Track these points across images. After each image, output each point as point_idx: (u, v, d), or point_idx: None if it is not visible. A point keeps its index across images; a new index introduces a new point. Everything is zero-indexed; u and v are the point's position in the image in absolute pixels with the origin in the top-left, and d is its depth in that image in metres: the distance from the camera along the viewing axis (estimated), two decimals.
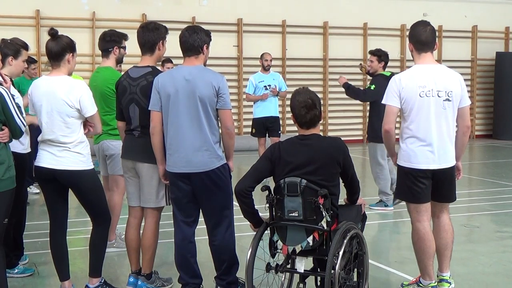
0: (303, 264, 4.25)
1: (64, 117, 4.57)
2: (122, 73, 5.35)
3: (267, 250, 4.33)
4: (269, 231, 4.34)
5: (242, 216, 4.42)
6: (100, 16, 14.61)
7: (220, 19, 15.36)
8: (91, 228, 4.91)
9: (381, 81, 8.10)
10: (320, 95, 14.29)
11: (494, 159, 14.79)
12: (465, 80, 4.88)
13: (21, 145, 5.16)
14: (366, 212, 4.71)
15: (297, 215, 4.13)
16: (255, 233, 4.35)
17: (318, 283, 4.40)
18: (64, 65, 4.68)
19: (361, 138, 16.51)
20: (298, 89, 4.35)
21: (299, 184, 4.10)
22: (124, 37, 6.07)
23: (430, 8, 17.18)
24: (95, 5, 14.70)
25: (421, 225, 4.77)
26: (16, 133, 4.45)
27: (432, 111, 4.65)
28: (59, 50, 4.63)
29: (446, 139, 4.71)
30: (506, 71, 17.66)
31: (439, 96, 4.65)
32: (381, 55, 8.29)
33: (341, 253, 4.06)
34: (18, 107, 4.48)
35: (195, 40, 4.64)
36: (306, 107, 4.21)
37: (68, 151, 4.60)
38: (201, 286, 4.87)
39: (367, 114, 9.27)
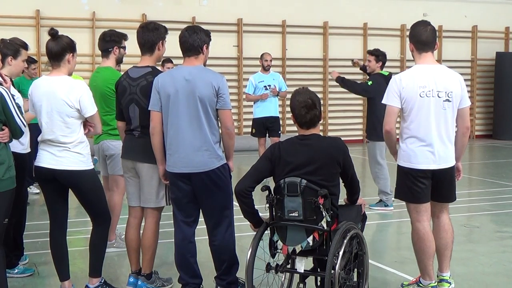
0: (303, 264, 4.26)
1: (64, 117, 4.57)
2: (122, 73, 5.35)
3: (267, 250, 4.33)
4: (269, 231, 4.34)
5: (242, 216, 4.42)
6: (100, 16, 14.61)
7: (220, 19, 15.36)
8: (91, 228, 4.91)
9: (379, 79, 8.15)
10: (320, 95, 14.31)
11: (494, 159, 14.79)
12: (465, 80, 4.88)
13: (21, 145, 5.16)
14: (366, 212, 4.71)
15: (297, 215, 4.13)
16: (255, 233, 4.35)
17: (318, 283, 4.40)
18: (64, 65, 4.68)
19: (361, 138, 16.50)
20: (298, 89, 4.35)
21: (299, 184, 4.10)
22: (124, 37, 6.07)
23: (430, 8, 17.19)
24: (95, 5, 14.70)
25: (421, 225, 4.77)
26: (16, 133, 4.45)
27: (432, 111, 4.65)
28: (59, 50, 4.63)
29: (445, 140, 4.71)
30: (506, 71, 17.67)
31: (439, 97, 4.65)
32: (379, 55, 8.36)
33: (341, 253, 4.06)
34: (18, 107, 4.48)
35: (195, 40, 4.64)
36: (306, 107, 4.21)
37: (68, 151, 4.60)
38: (201, 286, 4.87)
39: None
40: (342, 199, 4.56)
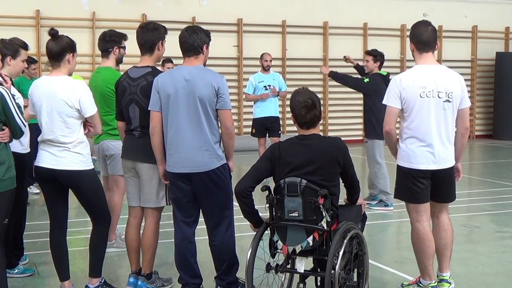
0: (303, 264, 4.26)
1: (64, 117, 4.57)
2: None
3: (267, 250, 4.33)
4: (269, 231, 4.35)
5: (242, 216, 4.42)
6: (100, 16, 14.61)
7: (220, 19, 15.36)
8: (91, 228, 4.91)
9: (377, 79, 8.20)
10: (320, 95, 14.31)
11: (494, 159, 14.79)
12: (465, 80, 4.88)
13: (21, 145, 5.16)
14: (366, 212, 4.71)
15: (297, 215, 4.13)
16: (255, 233, 4.35)
17: (318, 283, 4.40)
18: (64, 65, 4.68)
19: (361, 138, 16.47)
20: (298, 89, 4.35)
21: (299, 184, 4.10)
22: (124, 37, 6.07)
23: (430, 8, 17.19)
24: (95, 5, 14.70)
25: (420, 225, 4.77)
26: (16, 133, 4.46)
27: (432, 111, 4.65)
28: (59, 50, 4.64)
29: (445, 140, 4.71)
30: (506, 71, 17.67)
31: (439, 97, 4.65)
32: (376, 55, 8.40)
33: (341, 253, 4.06)
34: (19, 107, 4.48)
35: (194, 40, 4.64)
36: (306, 107, 4.21)
37: (68, 151, 4.60)
38: (201, 286, 4.87)
39: None
40: (342, 199, 4.56)
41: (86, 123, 4.69)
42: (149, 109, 4.70)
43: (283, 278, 4.66)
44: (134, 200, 5.05)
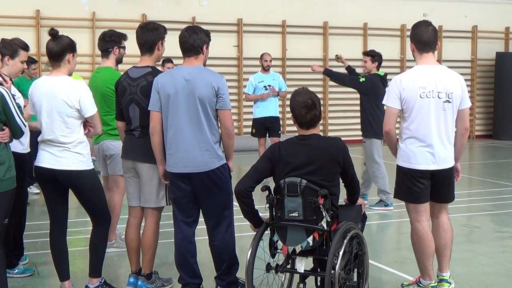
0: (303, 264, 4.26)
1: (64, 117, 4.57)
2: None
3: (267, 250, 4.33)
4: (269, 231, 4.35)
5: (242, 216, 4.42)
6: (100, 16, 14.61)
7: (220, 19, 15.36)
8: (91, 228, 4.91)
9: (374, 78, 8.24)
10: (320, 95, 14.31)
11: (494, 159, 14.79)
12: (465, 80, 4.88)
13: (21, 145, 5.16)
14: (366, 212, 4.71)
15: (297, 215, 4.13)
16: (255, 233, 4.35)
17: (318, 283, 4.40)
18: (64, 65, 4.68)
19: (361, 138, 16.42)
20: (298, 89, 4.35)
21: (299, 184, 4.10)
22: (124, 37, 6.07)
23: (430, 8, 17.19)
24: (95, 5, 14.70)
25: (420, 225, 4.78)
26: (16, 133, 4.46)
27: (432, 112, 4.65)
28: (60, 50, 4.64)
29: (445, 140, 4.71)
30: (506, 71, 17.67)
31: (439, 98, 4.65)
32: (374, 56, 8.43)
33: (341, 253, 4.06)
34: (19, 107, 4.48)
35: (195, 40, 4.64)
36: (306, 107, 4.21)
37: (68, 151, 4.60)
38: (201, 286, 4.87)
39: None
40: (342, 199, 4.56)
41: (86, 123, 4.69)
42: (149, 109, 4.70)
43: (283, 278, 4.66)
44: (134, 200, 5.05)
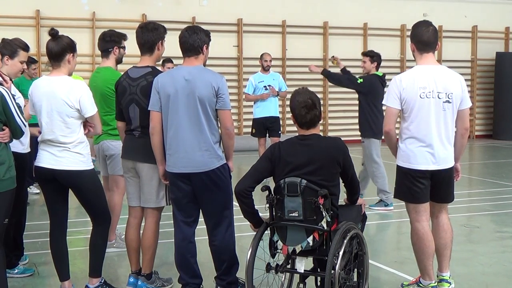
0: (303, 264, 4.26)
1: (64, 117, 4.57)
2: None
3: (267, 250, 4.33)
4: (269, 231, 4.35)
5: (242, 216, 4.42)
6: (100, 16, 14.61)
7: (220, 19, 15.36)
8: (91, 228, 4.91)
9: (372, 78, 8.27)
10: (320, 95, 14.32)
11: (494, 159, 14.79)
12: (465, 80, 4.88)
13: (22, 145, 5.16)
14: (366, 212, 4.71)
15: (297, 215, 4.13)
16: (255, 233, 4.35)
17: (318, 283, 4.40)
18: (65, 65, 4.68)
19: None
20: (298, 89, 4.35)
21: (299, 184, 4.10)
22: (124, 37, 6.07)
23: (430, 8, 17.19)
24: (95, 5, 14.70)
25: (420, 225, 4.78)
26: (16, 133, 4.46)
27: (432, 112, 4.65)
28: (60, 50, 4.64)
29: (445, 141, 4.71)
30: (506, 71, 17.67)
31: (439, 98, 4.65)
32: (373, 56, 8.46)
33: (341, 253, 4.06)
34: (19, 107, 4.48)
35: (195, 40, 4.64)
36: (306, 107, 4.21)
37: (68, 151, 4.60)
38: (201, 286, 4.87)
39: None
40: (342, 199, 4.56)
41: (86, 123, 4.69)
42: (149, 109, 4.70)
43: (283, 278, 4.66)
44: (134, 200, 5.05)
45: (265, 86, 10.39)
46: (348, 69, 9.18)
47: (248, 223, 4.48)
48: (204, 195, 4.67)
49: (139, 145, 4.87)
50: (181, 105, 4.58)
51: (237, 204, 4.42)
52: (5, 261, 4.57)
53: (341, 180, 4.38)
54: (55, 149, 4.61)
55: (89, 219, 4.92)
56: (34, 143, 4.97)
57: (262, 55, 10.64)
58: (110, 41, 6.00)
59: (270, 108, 10.40)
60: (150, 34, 4.88)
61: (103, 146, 5.97)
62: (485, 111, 18.60)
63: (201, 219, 4.83)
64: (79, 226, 7.06)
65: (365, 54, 8.60)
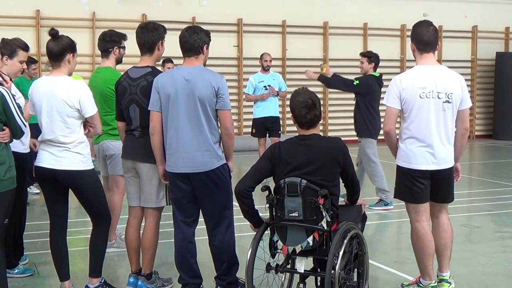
0: (303, 264, 4.26)
1: (64, 117, 4.57)
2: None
3: (267, 250, 4.33)
4: (269, 231, 4.35)
5: (242, 216, 4.42)
6: (100, 16, 14.61)
7: (220, 19, 15.36)
8: (91, 228, 4.91)
9: (369, 78, 8.31)
10: (320, 95, 14.31)
11: (494, 159, 14.79)
12: (465, 80, 4.88)
13: (22, 145, 5.16)
14: (366, 212, 4.71)
15: (297, 215, 4.13)
16: (255, 233, 4.35)
17: (318, 283, 4.40)
18: (65, 65, 4.68)
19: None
20: (298, 89, 4.35)
21: (299, 184, 4.10)
22: (124, 37, 6.07)
23: (430, 8, 17.18)
24: (95, 5, 14.70)
25: (420, 225, 4.78)
26: (16, 133, 4.46)
27: (432, 112, 4.65)
28: (60, 50, 4.64)
29: (445, 141, 4.71)
30: (506, 71, 17.67)
31: (439, 98, 4.65)
32: (371, 56, 8.51)
33: (341, 253, 4.06)
34: (19, 107, 4.48)
35: (195, 40, 4.64)
36: (306, 107, 4.22)
37: (68, 151, 4.60)
38: (201, 286, 4.87)
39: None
40: (342, 199, 4.56)
41: (86, 123, 4.69)
42: (149, 109, 4.70)
43: (283, 278, 4.66)
44: (134, 200, 5.05)
45: (265, 86, 10.38)
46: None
47: (248, 223, 4.48)
48: (204, 195, 4.67)
49: (139, 145, 4.87)
50: (181, 105, 4.58)
51: (237, 204, 4.42)
52: (5, 261, 4.57)
53: (341, 180, 4.39)
54: (55, 149, 4.61)
55: (89, 219, 4.92)
56: None
57: (262, 55, 10.64)
58: (110, 41, 6.00)
59: (270, 108, 10.40)
60: (150, 34, 4.88)
61: (103, 146, 5.97)
62: (485, 111, 18.60)
63: (201, 219, 4.83)
64: (79, 226, 7.06)
65: (363, 54, 8.65)
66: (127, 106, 4.89)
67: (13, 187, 4.43)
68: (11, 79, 5.21)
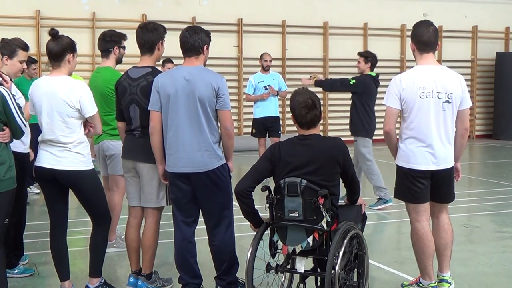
0: (303, 264, 4.26)
1: (64, 117, 4.57)
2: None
3: (267, 250, 4.33)
4: (269, 231, 4.35)
5: (242, 216, 4.42)
6: (100, 16, 14.61)
7: (220, 19, 15.36)
8: (91, 228, 4.91)
9: (365, 78, 8.35)
10: (320, 95, 14.23)
11: (494, 159, 14.79)
12: (465, 80, 4.88)
13: (23, 145, 5.16)
14: (366, 212, 4.71)
15: (297, 215, 4.13)
16: (255, 233, 4.35)
17: (318, 283, 4.40)
18: (65, 65, 4.68)
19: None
20: (298, 89, 4.35)
21: (299, 184, 4.10)
22: (124, 37, 6.08)
23: (430, 8, 17.18)
24: (95, 5, 14.70)
25: (420, 225, 4.78)
26: (17, 133, 4.46)
27: (432, 112, 4.65)
28: (60, 50, 4.64)
29: (445, 140, 4.71)
30: (506, 71, 17.66)
31: (439, 98, 4.65)
32: (368, 56, 8.55)
33: (341, 253, 4.06)
34: (19, 107, 4.48)
35: (195, 40, 4.64)
36: (307, 107, 4.22)
37: (68, 151, 4.60)
38: (201, 286, 4.87)
39: None
40: (342, 199, 4.56)
41: (86, 123, 4.69)
42: (149, 109, 4.70)
43: (283, 278, 4.66)
44: (134, 200, 5.05)
45: (265, 86, 10.39)
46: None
47: (248, 223, 4.48)
48: (204, 195, 4.67)
49: (139, 145, 4.88)
50: (181, 105, 4.58)
51: (237, 204, 4.42)
52: (5, 261, 4.57)
53: (341, 180, 4.39)
54: (55, 149, 4.62)
55: (89, 219, 4.92)
56: (34, 143, 4.97)
57: (262, 55, 10.64)
58: (110, 41, 6.00)
59: (270, 108, 10.40)
60: (150, 34, 4.88)
61: (103, 146, 5.97)
62: (485, 111, 18.59)
63: (201, 219, 4.83)
64: (79, 226, 7.06)
65: (360, 54, 8.70)
66: (127, 106, 4.89)
67: (13, 187, 4.43)
68: (11, 79, 5.21)
